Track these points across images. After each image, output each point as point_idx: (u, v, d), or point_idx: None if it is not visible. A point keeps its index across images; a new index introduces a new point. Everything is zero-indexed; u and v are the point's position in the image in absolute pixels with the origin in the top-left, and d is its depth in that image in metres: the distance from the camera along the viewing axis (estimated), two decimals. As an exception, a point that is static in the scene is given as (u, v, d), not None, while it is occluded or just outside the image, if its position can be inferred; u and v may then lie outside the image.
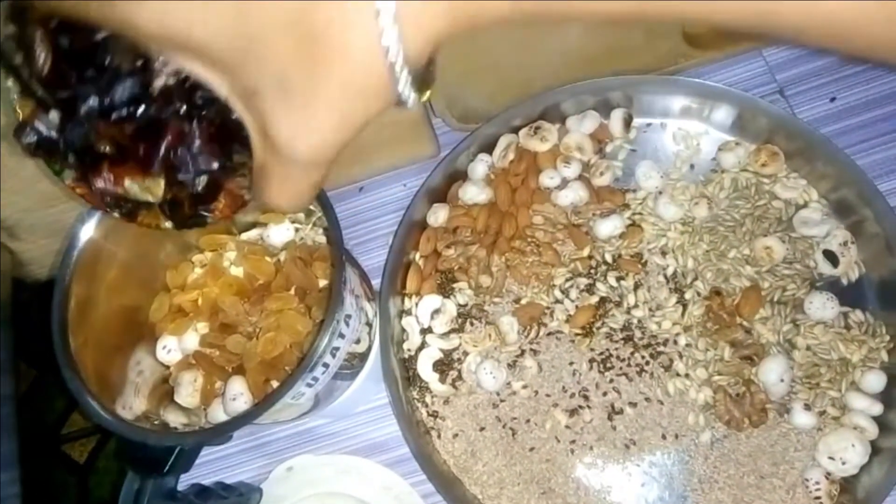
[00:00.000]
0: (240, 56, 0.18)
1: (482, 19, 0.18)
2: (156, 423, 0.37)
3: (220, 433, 0.35)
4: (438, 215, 0.50)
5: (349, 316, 0.38)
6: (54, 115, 0.21)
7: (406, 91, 0.18)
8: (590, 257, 0.49)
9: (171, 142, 0.21)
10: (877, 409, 0.43)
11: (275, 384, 0.39)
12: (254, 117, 0.20)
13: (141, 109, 0.20)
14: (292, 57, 0.18)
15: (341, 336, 0.37)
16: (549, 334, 0.48)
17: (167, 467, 0.35)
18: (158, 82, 0.20)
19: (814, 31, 0.18)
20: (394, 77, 0.18)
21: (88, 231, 0.39)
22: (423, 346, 0.48)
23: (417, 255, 0.50)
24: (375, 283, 0.50)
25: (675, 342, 0.46)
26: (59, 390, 0.57)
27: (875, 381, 0.43)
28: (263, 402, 0.35)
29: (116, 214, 0.24)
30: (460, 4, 0.17)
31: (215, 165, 0.21)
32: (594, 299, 0.48)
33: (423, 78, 0.19)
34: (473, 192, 0.50)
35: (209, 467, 0.49)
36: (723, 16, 0.18)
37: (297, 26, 0.17)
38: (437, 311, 0.48)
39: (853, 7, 0.18)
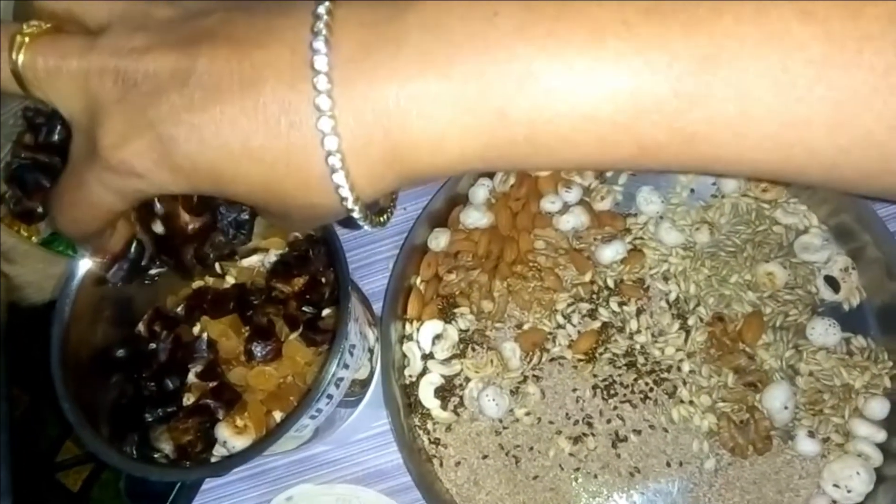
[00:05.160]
0: (228, 197, 0.22)
1: (428, 178, 0.21)
2: (156, 455, 0.37)
3: (223, 469, 0.35)
4: (440, 240, 0.50)
5: (353, 346, 0.38)
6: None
7: (363, 221, 0.21)
8: (592, 282, 0.48)
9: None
10: (881, 436, 0.43)
11: (277, 415, 0.39)
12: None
13: None
14: (269, 202, 0.21)
15: (346, 366, 0.37)
16: (551, 360, 0.47)
17: (168, 502, 0.34)
18: None
19: (752, 174, 0.20)
20: (353, 216, 0.21)
21: (89, 259, 0.38)
22: (424, 372, 0.48)
23: (418, 280, 0.50)
24: (376, 307, 0.50)
25: (679, 368, 0.46)
26: (54, 417, 0.56)
27: (878, 407, 0.43)
28: (268, 436, 0.34)
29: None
30: (407, 170, 0.20)
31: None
32: (596, 325, 0.48)
33: (383, 207, 0.23)
34: (475, 217, 0.50)
35: (208, 496, 0.48)
36: (663, 166, 0.20)
37: (268, 190, 0.20)
38: (438, 337, 0.48)
39: (774, 162, 0.19)
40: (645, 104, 0.18)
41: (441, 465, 0.46)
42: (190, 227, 0.25)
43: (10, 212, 0.26)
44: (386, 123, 0.19)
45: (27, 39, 0.21)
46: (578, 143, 0.19)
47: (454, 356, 0.48)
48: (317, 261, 0.40)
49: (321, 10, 0.19)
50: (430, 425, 0.47)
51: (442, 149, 0.19)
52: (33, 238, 0.28)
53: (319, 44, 0.18)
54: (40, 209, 0.26)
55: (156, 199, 0.24)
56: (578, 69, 0.18)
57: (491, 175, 0.51)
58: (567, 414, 0.46)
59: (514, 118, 0.19)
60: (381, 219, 0.22)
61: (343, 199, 0.20)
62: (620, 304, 0.48)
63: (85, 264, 0.38)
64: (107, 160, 0.20)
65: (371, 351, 0.44)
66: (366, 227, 0.22)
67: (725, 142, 0.18)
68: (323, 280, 0.40)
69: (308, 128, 0.19)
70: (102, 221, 0.23)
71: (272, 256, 0.43)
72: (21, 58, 0.20)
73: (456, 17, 0.18)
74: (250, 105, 0.19)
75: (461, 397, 0.47)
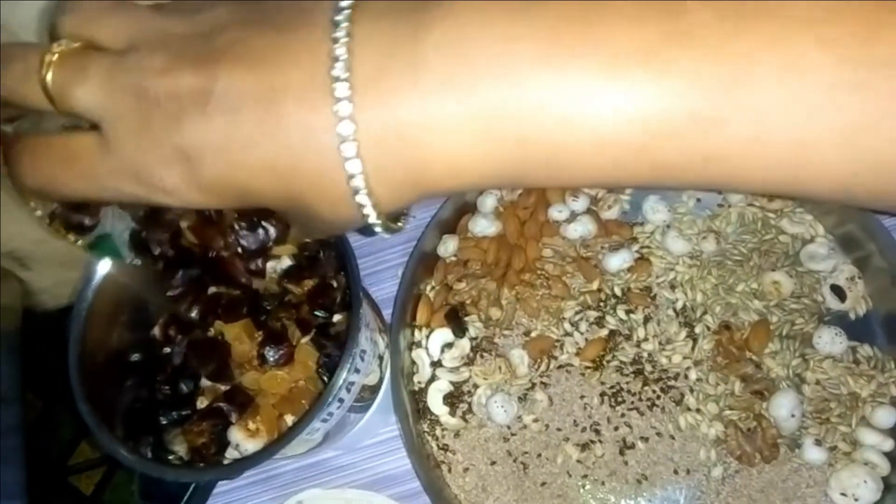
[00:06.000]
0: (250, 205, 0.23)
1: (447, 194, 0.21)
2: (170, 457, 0.37)
3: (236, 470, 0.35)
4: (448, 245, 0.50)
5: (364, 351, 0.38)
6: None
7: (382, 231, 0.22)
8: (599, 290, 0.49)
9: None
10: (888, 444, 0.43)
11: (288, 419, 0.39)
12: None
13: None
14: (293, 213, 0.22)
15: (357, 371, 0.37)
16: (559, 367, 0.48)
17: (182, 502, 0.35)
18: None
19: (762, 192, 0.21)
20: (371, 226, 0.22)
21: (106, 264, 0.39)
22: (432, 378, 0.48)
23: (428, 288, 0.50)
24: (385, 314, 0.50)
25: (686, 376, 0.46)
26: (68, 421, 0.57)
27: (885, 416, 0.43)
28: (280, 438, 0.35)
29: None
30: (427, 188, 0.20)
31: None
32: (604, 332, 0.48)
33: (399, 213, 0.23)
34: (483, 225, 0.50)
35: (219, 500, 0.49)
36: (676, 185, 0.20)
37: (292, 204, 0.21)
38: (448, 345, 0.48)
39: (784, 181, 0.19)
40: (662, 128, 0.18)
41: (449, 470, 0.47)
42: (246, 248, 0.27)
43: (61, 224, 0.28)
44: (407, 148, 0.19)
45: (56, 58, 0.21)
46: (596, 165, 0.19)
47: (463, 364, 0.48)
48: (327, 264, 0.40)
49: (339, 34, 0.19)
50: (438, 431, 0.48)
51: (461, 170, 0.20)
52: (79, 243, 0.29)
53: (339, 70, 0.19)
54: (88, 221, 0.28)
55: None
56: (598, 95, 0.18)
57: (500, 184, 0.52)
58: (575, 421, 0.46)
59: (531, 143, 0.19)
60: (398, 225, 0.23)
61: (366, 215, 0.21)
62: (628, 312, 0.48)
63: (103, 268, 0.38)
64: (135, 175, 0.21)
65: (381, 357, 0.45)
66: (383, 235, 0.22)
67: (739, 163, 0.19)
68: (334, 284, 0.40)
69: (331, 151, 0.19)
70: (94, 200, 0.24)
71: (285, 262, 0.43)
72: (49, 75, 0.21)
73: (475, 42, 0.19)
74: (272, 128, 0.19)
75: (469, 404, 0.48)
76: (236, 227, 0.35)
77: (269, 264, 0.44)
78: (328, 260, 0.41)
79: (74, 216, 0.28)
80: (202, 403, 0.40)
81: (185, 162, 0.20)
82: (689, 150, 0.19)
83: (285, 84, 0.19)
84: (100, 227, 0.29)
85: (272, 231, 0.31)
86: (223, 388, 0.40)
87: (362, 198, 0.20)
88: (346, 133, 0.19)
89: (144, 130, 0.20)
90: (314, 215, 0.21)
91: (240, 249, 0.35)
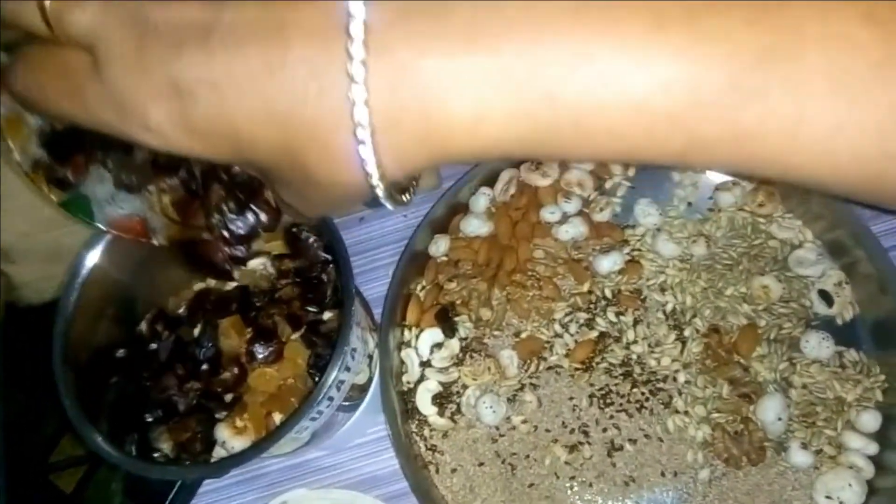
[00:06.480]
0: (245, 165, 0.22)
1: (460, 160, 0.20)
2: (156, 455, 0.37)
3: (222, 468, 0.35)
4: (439, 245, 0.50)
5: (355, 349, 0.38)
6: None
7: (385, 199, 0.20)
8: (589, 292, 0.49)
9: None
10: (872, 448, 0.43)
11: (276, 417, 0.39)
12: (267, 184, 0.24)
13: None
14: (288, 173, 0.20)
15: (347, 369, 0.37)
16: (548, 369, 0.48)
17: (167, 501, 0.34)
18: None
19: (797, 180, 0.20)
20: (374, 194, 0.20)
21: (93, 257, 0.38)
22: (421, 378, 0.48)
23: (419, 287, 0.50)
24: (375, 312, 0.50)
25: (675, 379, 0.46)
26: (49, 418, 0.56)
27: (870, 420, 0.44)
28: (268, 436, 0.34)
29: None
30: (439, 150, 0.19)
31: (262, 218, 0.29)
32: (594, 334, 0.48)
33: (404, 186, 0.22)
34: (475, 225, 0.50)
35: (204, 499, 0.48)
36: (708, 164, 0.19)
37: (289, 159, 0.19)
38: (438, 345, 0.48)
39: (820, 168, 0.19)
40: (700, 96, 0.17)
41: (437, 471, 0.47)
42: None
43: (43, 174, 0.27)
44: (423, 98, 0.18)
45: None
46: (626, 134, 0.18)
47: (452, 364, 0.48)
48: (312, 248, 0.39)
49: None
50: (426, 432, 0.47)
51: (481, 130, 0.18)
52: (53, 197, 0.28)
53: (357, 7, 0.17)
54: (70, 177, 0.27)
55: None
56: (635, 55, 0.17)
57: (491, 184, 0.52)
58: (563, 422, 0.46)
59: (561, 102, 0.18)
60: (404, 198, 0.21)
61: (368, 174, 0.19)
62: (617, 314, 0.48)
63: (91, 260, 0.38)
64: (120, 105, 0.19)
65: (370, 356, 0.45)
66: (388, 206, 0.20)
67: (775, 142, 0.18)
68: (325, 278, 0.40)
69: (338, 96, 0.17)
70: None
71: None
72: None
73: None
74: (276, 64, 0.18)
75: (458, 404, 0.47)
76: (224, 207, 0.32)
77: (259, 261, 0.44)
78: (313, 244, 0.40)
79: (59, 169, 0.26)
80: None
81: (176, 97, 0.18)
82: (726, 123, 0.18)
83: (296, 19, 0.18)
84: (80, 188, 0.28)
85: (262, 217, 0.29)
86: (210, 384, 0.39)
87: (366, 152, 0.18)
88: (358, 76, 0.17)
89: (137, 59, 0.19)
90: (311, 177, 0.20)
91: (225, 233, 0.32)
